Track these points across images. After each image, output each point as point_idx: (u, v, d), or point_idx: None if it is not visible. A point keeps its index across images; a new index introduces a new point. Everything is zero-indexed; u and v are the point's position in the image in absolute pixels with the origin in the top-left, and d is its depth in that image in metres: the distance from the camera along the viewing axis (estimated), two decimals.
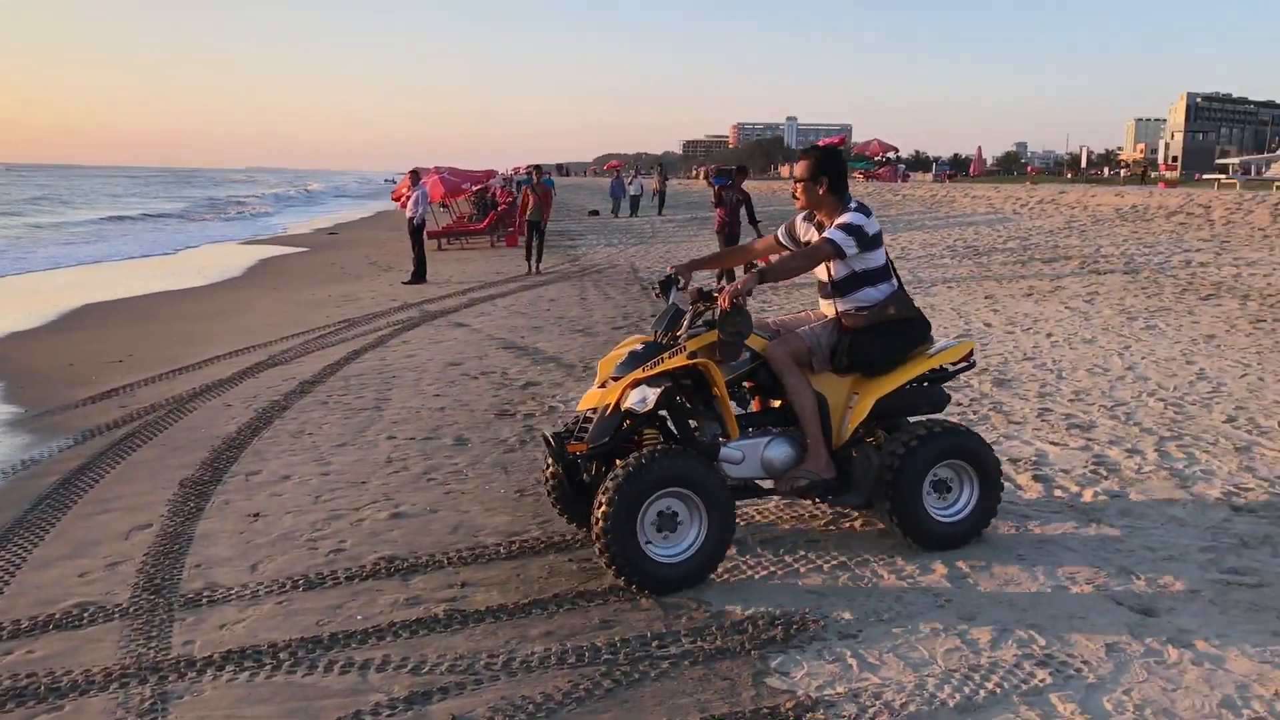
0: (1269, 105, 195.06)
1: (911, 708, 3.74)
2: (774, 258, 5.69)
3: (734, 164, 21.08)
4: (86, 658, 4.30)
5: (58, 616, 4.71)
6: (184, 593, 4.96)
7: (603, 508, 4.66)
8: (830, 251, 5.18)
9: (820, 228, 5.39)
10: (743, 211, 16.17)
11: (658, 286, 5.45)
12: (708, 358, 4.95)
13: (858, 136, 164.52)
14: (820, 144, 5.29)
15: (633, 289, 17.16)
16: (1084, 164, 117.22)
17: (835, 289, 5.33)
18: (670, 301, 5.29)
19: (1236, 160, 36.26)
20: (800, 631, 4.36)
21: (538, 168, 21.50)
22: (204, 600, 4.86)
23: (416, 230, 19.88)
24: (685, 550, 4.83)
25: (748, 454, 5.15)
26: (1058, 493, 6.07)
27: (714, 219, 16.69)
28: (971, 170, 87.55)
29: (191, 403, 9.14)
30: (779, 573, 5.00)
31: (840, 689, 3.89)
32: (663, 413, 5.05)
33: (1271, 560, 4.99)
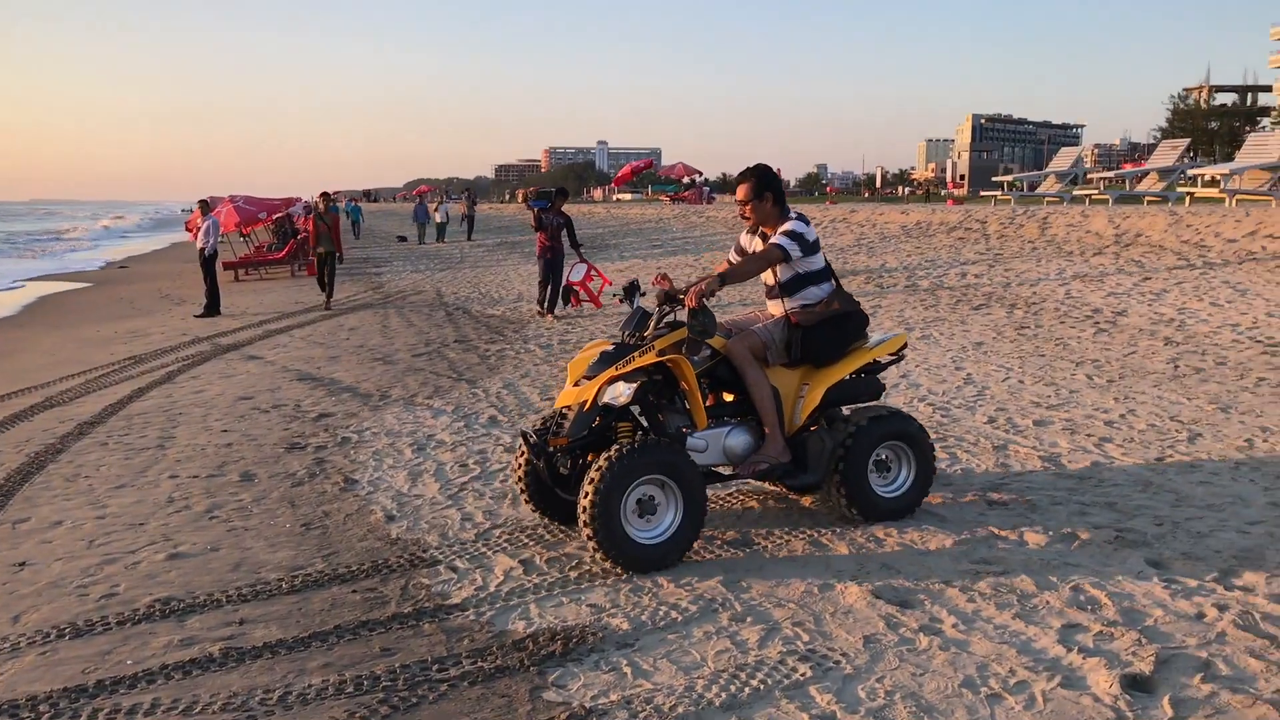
0: (1045, 125, 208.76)
1: (680, 709, 3.89)
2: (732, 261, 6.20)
3: (552, 186, 20.33)
4: None
5: None
6: None
7: (589, 495, 5.06)
8: (779, 255, 5.74)
9: (765, 238, 5.96)
10: (564, 235, 15.85)
11: (623, 292, 5.92)
12: (676, 354, 5.42)
13: (666, 160, 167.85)
14: (756, 166, 5.74)
15: (437, 315, 17.04)
16: (879, 183, 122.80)
17: (782, 289, 5.90)
18: (635, 305, 5.78)
19: (1010, 178, 38.70)
20: (579, 645, 4.46)
21: (326, 195, 20.20)
22: None
23: (208, 261, 19.21)
24: (663, 532, 5.27)
25: (710, 443, 5.64)
26: None
27: (535, 244, 16.23)
28: None
29: None
30: (562, 589, 5.10)
31: (614, 697, 4.01)
32: (634, 407, 5.55)
33: (1017, 549, 5.40)
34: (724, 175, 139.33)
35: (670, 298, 5.72)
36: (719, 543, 5.64)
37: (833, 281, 6.00)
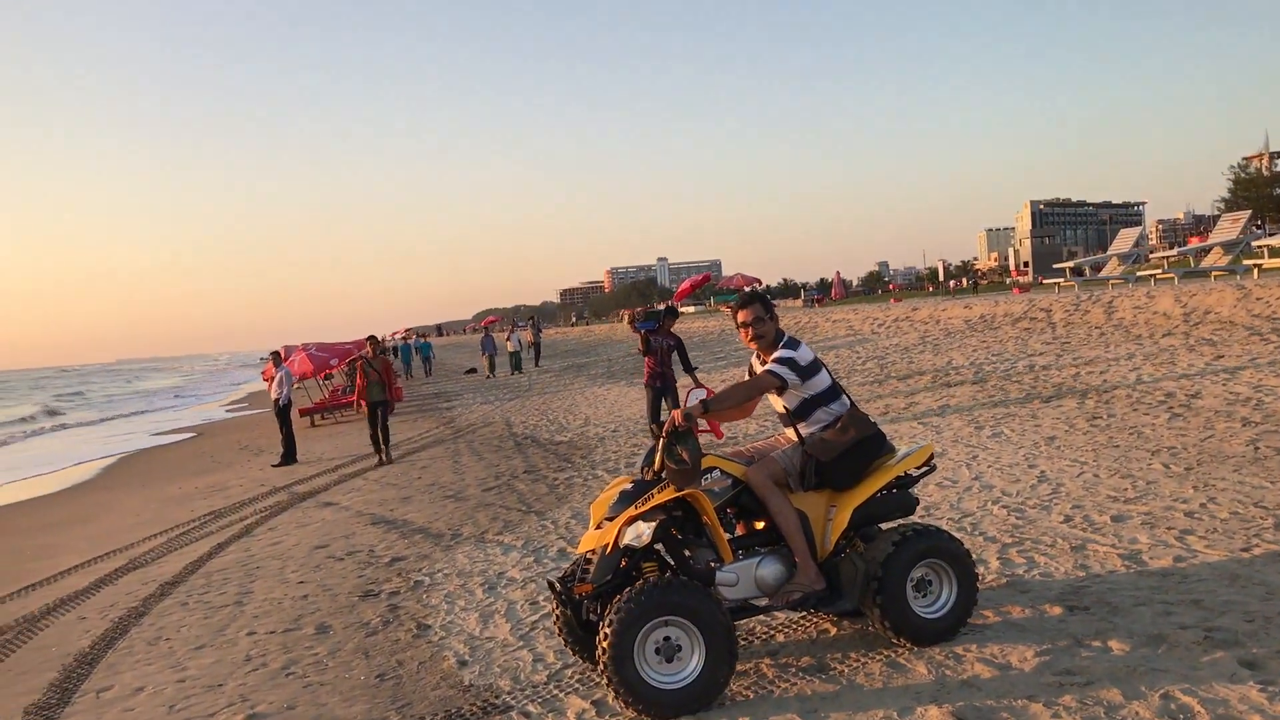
0: (1106, 205, 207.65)
1: None
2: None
3: (662, 304, 18.32)
4: None
5: None
6: None
7: (604, 640, 4.97)
8: (771, 381, 5.68)
9: (763, 363, 5.88)
10: (674, 358, 14.25)
11: (654, 427, 5.81)
12: (694, 489, 5.31)
13: (726, 270, 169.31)
14: (743, 288, 5.87)
15: (506, 445, 17.20)
16: (942, 276, 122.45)
17: (793, 416, 5.82)
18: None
19: (1072, 263, 38.41)
20: None
21: (374, 339, 18.68)
22: None
23: (282, 411, 19.70)
24: (687, 676, 5.08)
25: (741, 575, 5.48)
26: None
27: (644, 370, 14.39)
28: (832, 294, 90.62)
29: (43, 620, 8.81)
30: None
31: None
32: (659, 546, 5.43)
33: (1101, 657, 5.22)
34: (784, 281, 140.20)
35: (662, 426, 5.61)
36: (794, 670, 5.53)
37: (844, 399, 5.88)
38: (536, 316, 58.62)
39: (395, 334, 73.76)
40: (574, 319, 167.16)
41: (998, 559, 7.10)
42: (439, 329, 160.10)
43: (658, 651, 5.11)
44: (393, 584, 8.59)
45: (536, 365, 42.03)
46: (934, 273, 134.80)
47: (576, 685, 5.70)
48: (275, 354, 22.23)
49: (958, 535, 7.78)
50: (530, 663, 6.20)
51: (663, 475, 5.42)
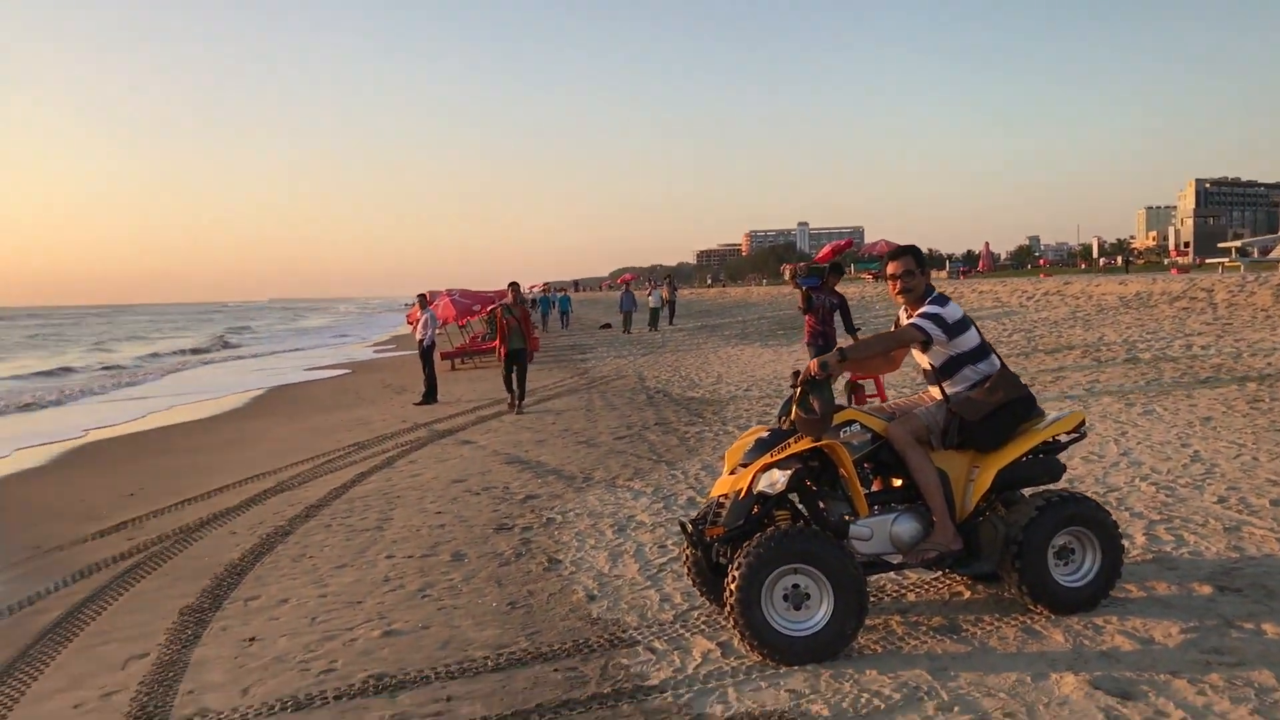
0: (1278, 187, 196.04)
1: None
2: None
3: (826, 262, 16.93)
4: None
5: None
6: (175, 719, 5.03)
7: (732, 584, 5.02)
8: (914, 335, 5.57)
9: (910, 318, 5.76)
10: (836, 317, 13.31)
11: (792, 376, 5.70)
12: (833, 440, 5.29)
13: (869, 237, 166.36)
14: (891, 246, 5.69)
15: (638, 398, 17.33)
16: (1095, 254, 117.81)
17: (938, 374, 5.69)
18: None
19: (1238, 243, 36.49)
20: None
21: (515, 286, 18.38)
22: None
23: (426, 352, 20.23)
24: (814, 625, 5.09)
25: (875, 530, 5.44)
26: None
27: (804, 328, 13.62)
28: (979, 266, 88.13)
29: (198, 532, 9.28)
30: (760, 673, 5.03)
31: None
32: (793, 495, 5.40)
33: (1253, 639, 4.99)
34: (930, 251, 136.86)
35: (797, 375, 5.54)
36: (924, 628, 5.45)
37: (993, 359, 5.71)
38: (673, 276, 58.63)
39: (533, 288, 74.82)
40: (709, 280, 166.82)
41: (1144, 535, 6.84)
42: (576, 284, 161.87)
43: (785, 598, 5.11)
44: (525, 519, 8.77)
45: (670, 324, 42.14)
46: (1087, 249, 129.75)
47: (703, 626, 5.74)
48: (421, 297, 22.81)
49: None
50: (657, 602, 6.26)
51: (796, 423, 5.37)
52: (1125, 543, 6.59)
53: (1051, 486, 5.96)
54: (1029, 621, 5.42)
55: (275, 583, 7.43)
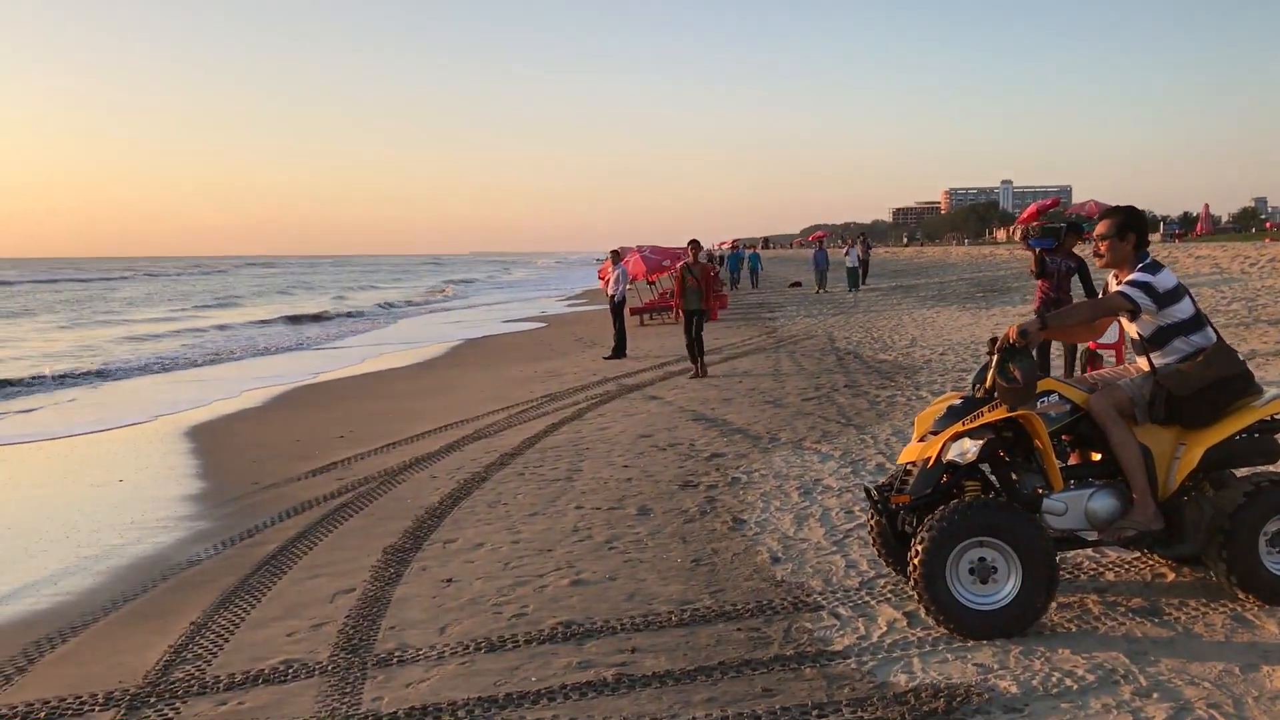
0: None
1: None
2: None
3: (1062, 221, 13.63)
4: (288, 710, 4.70)
5: (266, 672, 5.15)
6: (377, 652, 5.33)
7: (916, 555, 4.95)
8: (1120, 303, 5.30)
9: (1119, 284, 5.46)
10: (1073, 283, 11.76)
11: (988, 344, 5.53)
12: (1029, 410, 5.12)
13: (1077, 197, 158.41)
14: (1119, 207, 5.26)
15: (828, 359, 17.13)
16: None
17: (1146, 344, 5.39)
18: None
19: None
20: (963, 704, 4.29)
21: (695, 244, 17.50)
22: (394, 660, 5.21)
23: (617, 307, 20.56)
24: (1001, 599, 4.96)
25: (1070, 506, 5.23)
26: None
27: (1036, 295, 12.26)
28: (1197, 229, 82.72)
29: (401, 475, 9.76)
30: (947, 645, 4.94)
31: None
32: (984, 465, 5.26)
33: None
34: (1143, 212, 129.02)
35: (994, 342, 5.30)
36: (1122, 609, 5.23)
37: (1209, 333, 5.32)
38: (866, 235, 57.32)
39: (722, 244, 74.67)
40: (905, 239, 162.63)
41: None
42: (765, 241, 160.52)
43: (971, 571, 4.99)
44: (711, 477, 8.84)
45: (863, 283, 41.38)
46: None
47: (889, 595, 5.67)
48: (614, 253, 23.13)
49: None
50: (843, 568, 6.22)
51: (994, 394, 5.20)
52: None
53: (1268, 469, 5.57)
54: (1239, 610, 5.12)
55: (471, 526, 7.75)
